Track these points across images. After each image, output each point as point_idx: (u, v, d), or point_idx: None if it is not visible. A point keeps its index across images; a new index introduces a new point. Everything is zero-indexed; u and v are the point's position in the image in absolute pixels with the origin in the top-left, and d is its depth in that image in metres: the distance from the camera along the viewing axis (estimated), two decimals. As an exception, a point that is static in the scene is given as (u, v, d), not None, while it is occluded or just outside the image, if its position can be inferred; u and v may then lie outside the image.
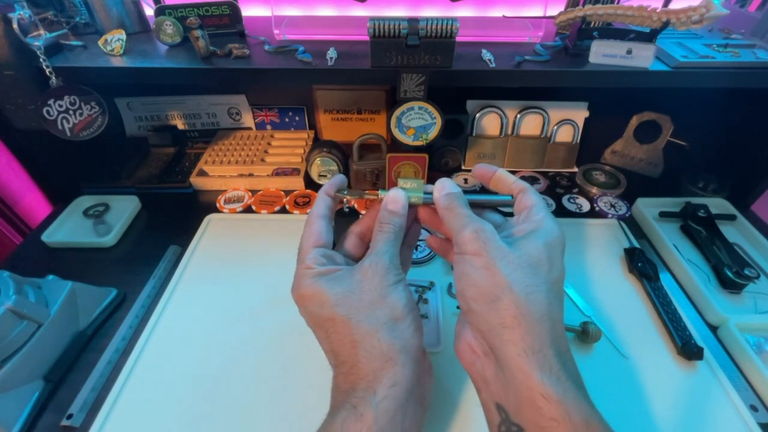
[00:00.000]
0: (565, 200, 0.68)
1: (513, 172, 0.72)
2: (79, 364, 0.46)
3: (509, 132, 0.72)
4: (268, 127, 0.80)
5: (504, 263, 0.29)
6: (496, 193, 0.37)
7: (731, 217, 0.63)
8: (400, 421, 0.27)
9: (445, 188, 0.34)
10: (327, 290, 0.29)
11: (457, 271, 0.31)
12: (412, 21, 0.45)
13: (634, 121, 0.72)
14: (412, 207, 0.36)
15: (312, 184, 0.71)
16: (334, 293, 0.29)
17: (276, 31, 0.57)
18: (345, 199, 0.36)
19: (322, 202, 0.35)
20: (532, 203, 0.34)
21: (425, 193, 0.35)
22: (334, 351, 0.30)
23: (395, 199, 0.34)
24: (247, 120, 0.79)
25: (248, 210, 0.67)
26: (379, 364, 0.28)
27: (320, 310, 0.30)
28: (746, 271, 0.52)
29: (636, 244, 0.58)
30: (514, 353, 0.27)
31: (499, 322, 0.28)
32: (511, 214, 0.36)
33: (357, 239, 0.36)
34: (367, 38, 0.47)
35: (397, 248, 0.32)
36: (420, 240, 0.59)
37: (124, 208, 0.65)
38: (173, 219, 0.66)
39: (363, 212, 0.65)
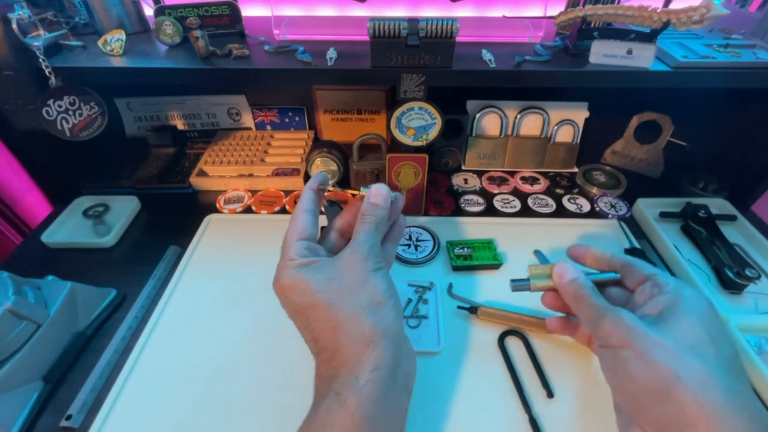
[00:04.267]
0: (565, 200, 0.68)
1: (513, 173, 0.74)
2: (78, 365, 0.46)
3: (509, 132, 0.72)
4: (268, 127, 0.80)
5: (660, 351, 0.27)
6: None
7: (732, 218, 0.63)
8: (383, 405, 0.27)
9: (566, 274, 0.34)
10: (309, 278, 0.30)
11: (607, 366, 0.30)
12: (412, 21, 0.45)
13: (635, 121, 0.72)
14: (542, 291, 0.38)
15: (312, 185, 0.70)
16: (316, 281, 0.30)
17: (276, 31, 0.57)
18: (328, 191, 0.37)
19: (307, 197, 0.35)
20: (650, 273, 0.33)
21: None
22: (315, 338, 0.30)
23: (378, 192, 0.34)
24: (247, 120, 0.79)
25: (248, 210, 0.67)
26: (361, 347, 0.28)
27: (302, 298, 0.30)
28: (747, 272, 0.51)
29: (636, 245, 0.58)
30: None
31: (678, 419, 0.25)
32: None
33: (338, 234, 0.37)
34: (367, 38, 0.46)
35: (378, 239, 0.33)
36: (421, 241, 0.59)
37: (123, 209, 0.65)
38: (173, 219, 0.66)
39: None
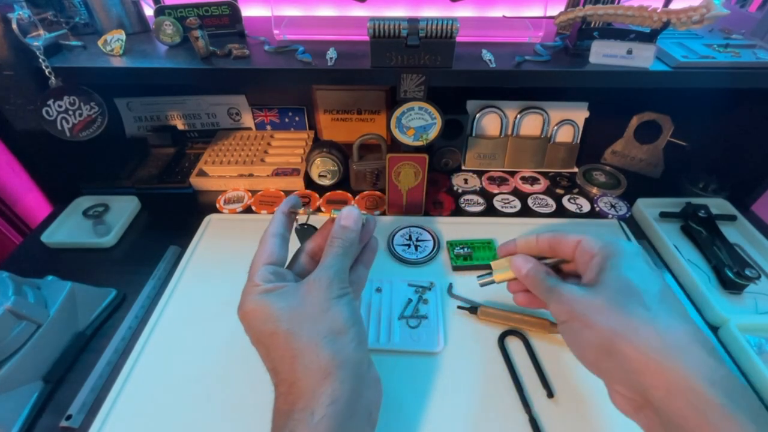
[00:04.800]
0: (565, 201, 0.68)
1: (513, 173, 0.74)
2: (78, 365, 0.46)
3: (509, 132, 0.72)
4: (268, 127, 0.80)
5: (596, 313, 0.28)
6: None
7: (732, 218, 0.63)
8: None
9: (521, 267, 0.36)
10: (271, 305, 0.29)
11: (567, 342, 0.32)
12: (412, 21, 0.45)
13: (635, 121, 0.72)
14: (507, 281, 0.39)
15: (312, 185, 0.71)
16: (278, 308, 0.29)
17: (276, 31, 0.57)
18: (299, 213, 0.36)
19: (277, 221, 0.34)
20: (575, 240, 0.34)
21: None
22: (275, 368, 0.29)
23: (348, 214, 0.33)
24: (247, 120, 0.79)
25: (248, 210, 0.67)
26: (317, 380, 0.27)
27: (263, 326, 0.29)
28: (747, 272, 0.51)
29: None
30: (663, 397, 0.25)
31: (631, 371, 0.27)
32: None
33: (308, 258, 0.35)
34: (367, 38, 0.47)
35: (347, 263, 0.32)
36: (421, 241, 0.59)
37: (123, 209, 0.65)
38: (173, 219, 0.66)
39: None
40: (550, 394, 0.41)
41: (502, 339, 0.46)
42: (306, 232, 0.38)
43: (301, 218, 0.37)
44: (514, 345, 0.46)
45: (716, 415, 0.24)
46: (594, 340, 0.29)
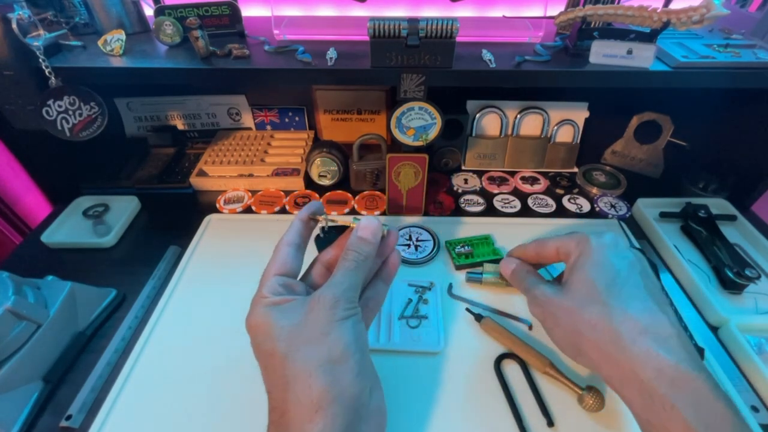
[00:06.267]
0: (565, 201, 0.68)
1: (513, 173, 0.74)
2: (78, 365, 0.46)
3: (509, 132, 0.72)
4: (268, 127, 0.80)
5: (563, 314, 0.30)
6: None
7: (732, 218, 0.63)
8: None
9: (506, 267, 0.39)
10: (274, 322, 0.27)
11: (550, 337, 0.34)
12: (412, 21, 0.45)
13: (635, 121, 0.72)
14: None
15: (312, 185, 0.71)
16: (279, 326, 0.27)
17: (276, 31, 0.57)
18: (318, 221, 0.34)
19: (293, 229, 0.33)
20: (556, 246, 0.36)
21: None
22: (269, 391, 0.27)
23: (366, 226, 0.31)
24: (247, 120, 0.79)
25: (248, 210, 0.67)
26: (307, 414, 0.24)
27: (263, 344, 0.27)
28: (747, 272, 0.51)
29: (636, 245, 0.58)
30: (618, 388, 0.28)
31: (593, 366, 0.29)
32: None
33: (323, 269, 0.33)
34: (367, 38, 0.46)
35: (358, 280, 0.29)
36: (421, 241, 0.59)
37: (123, 209, 0.65)
38: (173, 219, 0.66)
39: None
40: (551, 423, 0.39)
41: (498, 362, 0.44)
42: (325, 239, 0.35)
43: (327, 224, 0.34)
44: (512, 369, 0.44)
45: (658, 405, 0.25)
46: (565, 337, 0.31)
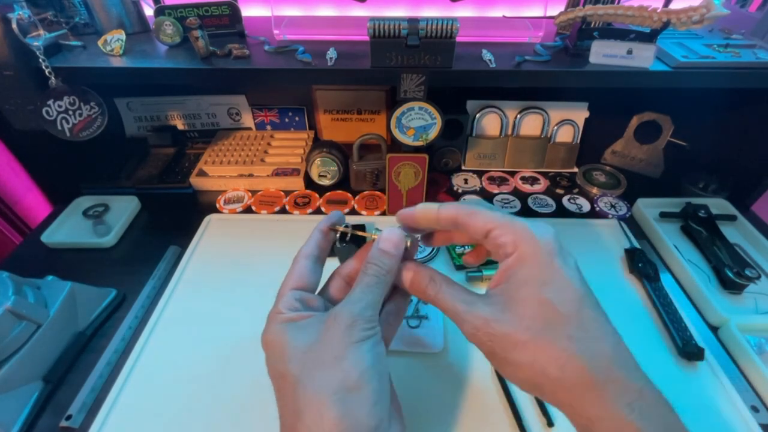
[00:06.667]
0: (565, 201, 0.68)
1: (513, 173, 0.74)
2: (78, 365, 0.46)
3: (509, 132, 0.72)
4: (268, 127, 0.80)
5: (514, 347, 0.24)
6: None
7: (732, 218, 0.63)
8: None
9: (405, 277, 0.30)
10: (288, 341, 0.26)
11: (502, 374, 0.28)
12: (412, 21, 0.45)
13: (635, 121, 0.72)
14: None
15: (312, 185, 0.70)
16: (293, 346, 0.25)
17: (276, 31, 0.57)
18: (339, 231, 0.32)
19: (312, 240, 0.31)
20: (488, 229, 0.27)
21: None
22: (281, 415, 0.25)
23: (389, 237, 0.29)
24: (247, 120, 0.79)
25: (248, 210, 0.67)
26: None
27: (276, 364, 0.26)
28: (747, 272, 0.51)
29: (636, 245, 0.58)
30: (587, 426, 0.23)
31: (558, 404, 0.24)
32: None
33: (342, 282, 0.31)
34: (367, 38, 0.46)
35: (379, 296, 0.27)
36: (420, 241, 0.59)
37: (123, 209, 0.65)
38: (173, 219, 0.66)
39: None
40: (550, 423, 0.39)
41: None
42: (345, 249, 0.33)
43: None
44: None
45: None
46: (519, 374, 0.25)
